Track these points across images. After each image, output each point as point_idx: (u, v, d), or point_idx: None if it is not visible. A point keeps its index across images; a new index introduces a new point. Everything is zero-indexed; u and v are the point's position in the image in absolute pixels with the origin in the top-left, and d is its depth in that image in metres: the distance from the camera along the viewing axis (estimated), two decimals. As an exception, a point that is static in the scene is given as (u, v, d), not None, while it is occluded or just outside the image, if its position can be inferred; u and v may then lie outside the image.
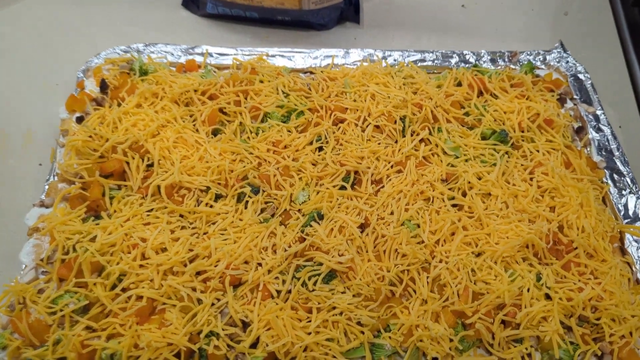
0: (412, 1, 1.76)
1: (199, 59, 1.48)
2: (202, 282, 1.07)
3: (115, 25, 1.65)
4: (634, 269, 1.17)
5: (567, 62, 1.52)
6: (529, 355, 1.05)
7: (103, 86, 1.35)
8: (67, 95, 1.41)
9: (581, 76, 1.49)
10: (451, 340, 1.03)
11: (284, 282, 1.08)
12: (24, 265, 1.09)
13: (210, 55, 1.49)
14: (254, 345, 1.02)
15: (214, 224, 1.15)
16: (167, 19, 1.68)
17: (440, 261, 1.11)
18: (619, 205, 1.26)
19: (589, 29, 1.73)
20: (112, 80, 1.36)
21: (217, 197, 1.20)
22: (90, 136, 1.22)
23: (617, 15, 1.73)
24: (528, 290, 1.07)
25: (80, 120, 1.29)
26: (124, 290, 1.05)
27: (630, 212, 1.25)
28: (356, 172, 1.25)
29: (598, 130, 1.38)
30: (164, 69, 1.39)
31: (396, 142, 1.31)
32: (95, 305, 1.04)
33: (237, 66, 1.46)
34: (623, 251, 1.20)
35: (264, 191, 1.21)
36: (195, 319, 1.03)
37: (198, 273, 1.08)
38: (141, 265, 1.07)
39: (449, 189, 1.23)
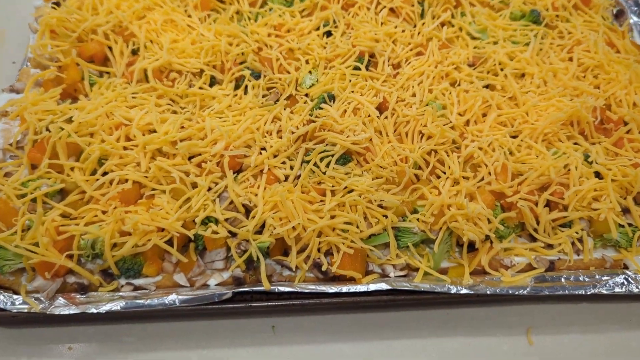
0: None
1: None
2: (196, 167, 0.92)
3: None
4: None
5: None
6: (580, 240, 0.90)
7: (82, -29, 1.19)
8: None
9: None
10: (489, 221, 0.87)
11: (291, 167, 0.93)
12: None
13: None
14: (259, 232, 0.87)
15: (209, 108, 1.00)
16: None
17: (472, 142, 0.96)
18: (670, 89, 1.10)
19: None
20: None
21: (212, 83, 1.05)
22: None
23: None
24: (576, 168, 0.92)
25: (57, 5, 1.13)
26: (105, 174, 0.90)
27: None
28: (371, 55, 1.09)
29: (639, 15, 1.23)
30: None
31: (414, 26, 1.15)
32: (72, 193, 0.89)
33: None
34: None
35: (265, 75, 1.06)
36: (190, 203, 0.87)
37: (191, 158, 0.93)
38: (125, 148, 0.92)
39: (479, 71, 1.08)
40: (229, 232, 0.86)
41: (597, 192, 0.90)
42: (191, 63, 1.04)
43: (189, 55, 1.05)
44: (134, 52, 1.07)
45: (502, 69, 1.07)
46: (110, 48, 1.07)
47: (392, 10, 1.17)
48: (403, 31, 1.13)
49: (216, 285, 0.86)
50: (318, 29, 1.14)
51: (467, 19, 1.16)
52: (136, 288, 0.85)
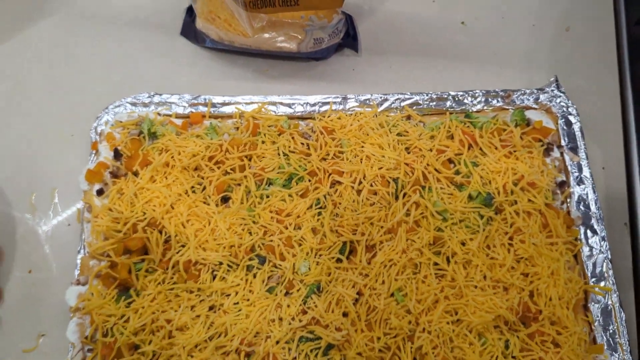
0: (411, 22, 1.75)
1: (202, 108, 1.55)
2: (222, 355, 1.28)
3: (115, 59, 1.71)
4: (592, 327, 1.35)
5: (560, 102, 1.56)
6: (494, 416, 1.28)
7: (117, 155, 1.45)
8: (82, 146, 1.54)
9: (572, 118, 1.55)
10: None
11: (289, 350, 1.29)
12: (70, 342, 1.30)
13: (214, 105, 1.56)
14: (267, 411, 1.25)
15: (227, 295, 1.33)
16: (168, 48, 1.72)
17: (424, 330, 1.30)
18: (589, 263, 1.40)
19: (590, 47, 1.73)
20: (124, 149, 1.45)
21: (229, 266, 1.37)
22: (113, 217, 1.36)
23: (619, 32, 1.72)
24: (496, 358, 1.27)
25: (100, 192, 1.42)
26: (156, 363, 1.27)
27: (597, 271, 1.39)
28: (352, 240, 1.39)
29: (580, 182, 1.48)
30: (171, 134, 1.47)
31: (389, 203, 1.43)
32: (136, 382, 1.27)
33: (240, 115, 1.54)
34: (586, 308, 1.37)
35: (269, 261, 1.37)
36: (218, 392, 1.25)
37: (217, 347, 1.29)
38: (169, 344, 1.27)
39: (436, 253, 1.37)
40: (246, 411, 1.25)
41: (508, 382, 1.26)
42: (212, 256, 1.35)
43: (210, 248, 1.36)
44: (166, 241, 1.38)
45: (454, 255, 1.37)
46: (148, 239, 1.37)
47: (371, 188, 1.44)
48: (380, 210, 1.41)
49: None
50: (311, 206, 1.43)
51: (433, 198, 1.43)
52: None
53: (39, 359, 1.37)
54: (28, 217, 1.50)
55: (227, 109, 1.56)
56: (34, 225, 1.50)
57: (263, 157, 1.46)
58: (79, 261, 1.39)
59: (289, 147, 1.47)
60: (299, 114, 1.56)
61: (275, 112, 1.56)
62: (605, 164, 1.57)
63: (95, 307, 1.30)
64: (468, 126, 1.51)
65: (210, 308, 1.33)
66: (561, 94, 1.57)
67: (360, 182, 1.44)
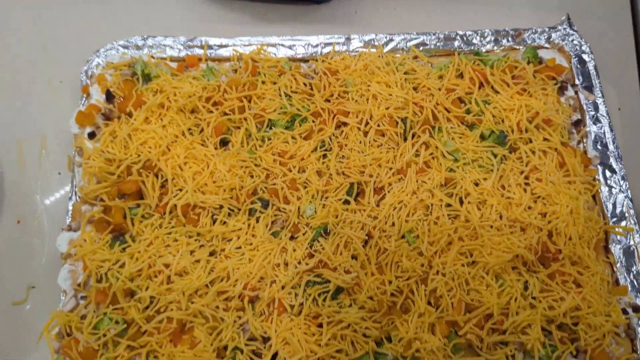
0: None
1: (198, 51, 1.47)
2: (224, 301, 1.20)
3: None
4: (614, 269, 1.28)
5: (572, 40, 1.50)
6: (513, 356, 1.20)
7: (109, 97, 1.36)
8: (73, 92, 1.46)
9: (585, 57, 1.48)
10: (445, 348, 1.18)
11: (296, 295, 1.21)
12: (62, 290, 1.22)
13: (210, 47, 1.47)
14: (273, 358, 1.18)
15: (229, 240, 1.26)
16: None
17: (437, 272, 1.23)
18: (608, 204, 1.34)
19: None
20: (117, 90, 1.37)
21: (230, 210, 1.29)
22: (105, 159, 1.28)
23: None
24: (515, 299, 1.20)
25: (92, 135, 1.33)
26: (157, 312, 1.18)
27: (617, 211, 1.33)
28: (359, 182, 1.31)
29: (596, 121, 1.41)
30: (166, 74, 1.39)
31: (397, 144, 1.35)
32: (131, 326, 1.19)
33: (238, 58, 1.46)
34: (607, 249, 1.31)
35: (273, 204, 1.29)
36: (221, 335, 1.17)
37: (219, 292, 1.21)
38: (167, 289, 1.19)
39: (448, 194, 1.30)
40: (250, 358, 1.17)
41: (529, 321, 1.19)
42: (212, 199, 1.27)
43: (209, 191, 1.28)
44: (162, 185, 1.30)
45: (467, 195, 1.30)
46: (143, 182, 1.29)
47: (378, 129, 1.36)
48: (388, 151, 1.34)
49: (244, 394, 1.19)
50: (316, 149, 1.35)
51: (443, 138, 1.35)
52: (186, 398, 1.19)
53: (29, 312, 1.29)
54: (16, 166, 1.42)
55: (224, 52, 1.48)
56: (22, 175, 1.41)
57: (263, 97, 1.38)
58: (70, 208, 1.30)
59: (291, 87, 1.39)
60: (301, 55, 1.49)
61: (275, 54, 1.48)
62: (621, 105, 1.51)
63: (88, 252, 1.22)
64: (478, 64, 1.43)
65: (211, 254, 1.25)
66: (574, 32, 1.50)
67: (367, 123, 1.36)
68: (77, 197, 1.31)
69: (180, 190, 1.28)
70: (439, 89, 1.39)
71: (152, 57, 1.45)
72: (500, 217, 1.27)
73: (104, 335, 1.16)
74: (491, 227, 1.26)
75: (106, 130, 1.32)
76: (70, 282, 1.22)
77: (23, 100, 1.49)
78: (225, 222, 1.27)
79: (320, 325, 1.19)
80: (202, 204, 1.27)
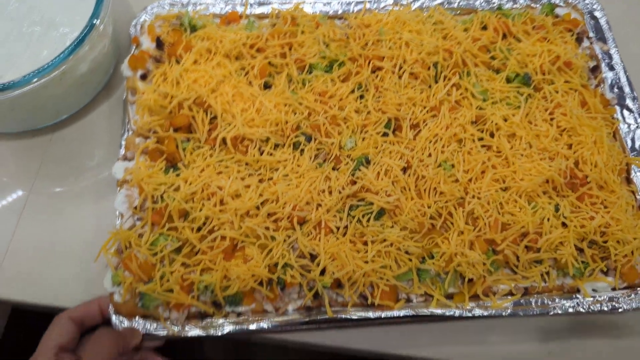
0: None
1: (239, 8, 1.58)
2: (273, 222, 1.26)
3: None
4: (637, 196, 1.36)
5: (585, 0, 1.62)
6: (547, 273, 1.27)
7: (159, 44, 1.45)
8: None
9: (597, 14, 1.60)
10: (484, 264, 1.24)
11: (340, 219, 1.28)
12: (118, 213, 1.28)
13: (250, 5, 1.58)
14: (322, 273, 1.23)
15: (276, 170, 1.33)
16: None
17: (473, 197, 1.30)
18: (627, 139, 1.43)
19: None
20: (166, 37, 1.46)
21: (276, 145, 1.36)
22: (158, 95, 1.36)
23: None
24: (548, 220, 1.27)
25: (144, 77, 1.41)
26: (210, 232, 1.24)
27: (637, 145, 1.42)
28: (396, 118, 1.40)
29: (611, 68, 1.52)
30: (212, 24, 1.49)
31: (430, 86, 1.45)
32: (185, 245, 1.25)
33: (277, 15, 1.56)
34: (629, 180, 1.39)
35: (315, 139, 1.37)
36: (272, 253, 1.23)
37: (269, 214, 1.27)
38: (220, 210, 1.26)
39: (479, 130, 1.39)
40: (300, 274, 1.23)
41: (562, 239, 1.26)
42: (259, 132, 1.35)
43: (256, 125, 1.36)
44: (210, 122, 1.38)
45: (497, 129, 1.39)
46: (193, 117, 1.37)
47: (411, 73, 1.46)
48: (421, 92, 1.43)
49: (293, 310, 1.24)
50: (353, 91, 1.44)
51: (472, 80, 1.45)
52: (238, 314, 1.24)
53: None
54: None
55: (263, 9, 1.59)
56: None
57: (303, 45, 1.48)
58: (123, 142, 1.37)
59: (329, 35, 1.49)
60: (335, 12, 1.59)
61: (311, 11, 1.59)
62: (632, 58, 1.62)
63: (145, 176, 1.28)
64: (500, 17, 1.54)
65: (260, 181, 1.31)
66: (586, -7, 1.63)
67: (401, 67, 1.46)
68: (129, 133, 1.38)
69: (229, 125, 1.35)
70: (466, 39, 1.50)
71: (197, 13, 1.55)
72: (530, 147, 1.36)
73: (161, 251, 1.22)
74: (522, 155, 1.35)
75: (157, 71, 1.41)
76: (127, 205, 1.28)
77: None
78: (271, 154, 1.34)
79: (365, 244, 1.26)
80: (251, 135, 1.34)
